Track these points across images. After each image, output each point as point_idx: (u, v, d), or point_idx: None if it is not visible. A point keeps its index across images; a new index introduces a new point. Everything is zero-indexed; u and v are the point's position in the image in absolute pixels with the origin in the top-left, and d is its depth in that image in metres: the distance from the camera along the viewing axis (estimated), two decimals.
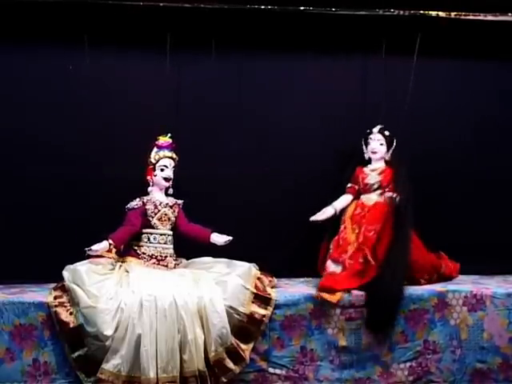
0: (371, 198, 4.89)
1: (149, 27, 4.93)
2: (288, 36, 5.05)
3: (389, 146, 4.95)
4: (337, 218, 4.88)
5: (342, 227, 4.83)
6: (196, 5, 4.83)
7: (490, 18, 5.03)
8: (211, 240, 4.69)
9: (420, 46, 5.07)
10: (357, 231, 4.77)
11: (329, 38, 5.07)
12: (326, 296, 4.51)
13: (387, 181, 4.87)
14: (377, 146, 4.94)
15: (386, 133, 4.94)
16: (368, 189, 4.91)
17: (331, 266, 4.71)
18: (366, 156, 4.99)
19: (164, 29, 4.92)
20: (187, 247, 4.79)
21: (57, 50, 4.92)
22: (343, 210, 4.91)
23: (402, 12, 4.97)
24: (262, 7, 4.89)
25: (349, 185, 4.98)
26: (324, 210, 4.84)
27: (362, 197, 4.93)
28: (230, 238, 4.65)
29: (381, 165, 4.96)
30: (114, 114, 4.96)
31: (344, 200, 4.93)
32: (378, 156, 4.95)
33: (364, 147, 5.00)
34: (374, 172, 4.94)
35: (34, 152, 4.91)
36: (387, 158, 4.97)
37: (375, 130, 4.95)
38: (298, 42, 5.06)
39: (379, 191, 4.90)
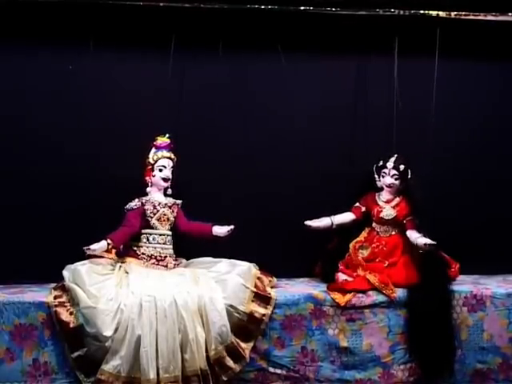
0: (387, 231, 4.88)
1: (149, 28, 4.92)
2: (288, 36, 5.04)
3: (403, 178, 4.84)
4: (343, 238, 4.90)
5: (352, 250, 4.83)
6: (196, 5, 4.83)
7: (490, 18, 5.03)
8: (213, 233, 4.69)
9: (420, 46, 5.07)
10: (371, 260, 4.80)
11: (329, 38, 5.07)
12: (334, 296, 4.53)
13: (402, 215, 4.83)
14: (391, 181, 4.83)
15: (401, 167, 4.80)
16: (383, 222, 4.87)
17: (342, 277, 4.72)
18: (379, 185, 4.92)
19: (164, 29, 4.92)
20: (187, 247, 4.80)
21: (57, 50, 4.91)
22: (348, 232, 4.90)
23: (402, 12, 4.97)
24: (262, 7, 4.89)
25: (356, 204, 4.95)
26: (321, 219, 4.83)
27: (375, 227, 4.89)
28: (232, 226, 4.65)
29: (395, 197, 4.90)
30: (115, 114, 4.96)
31: (344, 217, 4.90)
32: (393, 190, 4.88)
33: (376, 176, 4.92)
34: (388, 205, 4.88)
35: (34, 152, 4.90)
36: (401, 188, 4.89)
37: (389, 164, 4.82)
38: (298, 42, 5.05)
39: (394, 224, 4.86)
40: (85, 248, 4.39)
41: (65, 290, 4.37)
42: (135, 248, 4.67)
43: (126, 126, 4.97)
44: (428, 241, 4.61)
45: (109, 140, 4.95)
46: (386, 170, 4.86)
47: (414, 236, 4.73)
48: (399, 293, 4.59)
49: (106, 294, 4.27)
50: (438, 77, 5.14)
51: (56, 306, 4.31)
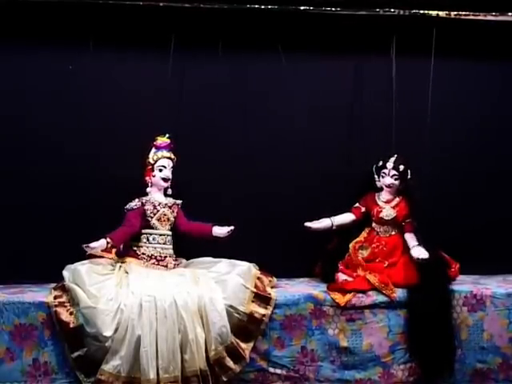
0: (387, 231, 4.88)
1: (149, 28, 4.92)
2: (288, 36, 5.04)
3: (403, 179, 4.83)
4: (343, 238, 4.90)
5: (352, 251, 4.82)
6: (196, 5, 4.83)
7: (489, 18, 5.03)
8: (213, 234, 4.69)
9: (420, 46, 5.07)
10: (371, 260, 4.80)
11: (329, 38, 5.07)
12: (334, 296, 4.53)
13: (402, 215, 4.84)
14: (391, 181, 4.83)
15: (401, 167, 4.79)
16: (383, 222, 4.87)
17: (342, 277, 4.72)
18: (379, 185, 4.91)
19: (164, 29, 4.92)
20: (187, 247, 4.80)
21: (57, 50, 4.91)
22: (348, 232, 4.89)
23: (402, 12, 4.97)
24: (262, 7, 4.89)
25: (356, 205, 4.94)
26: (321, 220, 4.83)
27: (375, 227, 4.89)
28: (232, 227, 4.65)
29: (395, 197, 4.89)
30: (115, 114, 4.96)
31: (344, 218, 4.90)
32: (393, 191, 4.88)
33: (376, 176, 4.91)
34: (388, 205, 4.87)
35: (34, 152, 4.90)
36: (401, 188, 4.89)
37: (389, 164, 4.81)
38: (298, 42, 5.05)
39: (394, 224, 4.86)
40: (84, 246, 4.40)
41: (65, 290, 4.36)
42: (135, 248, 4.67)
43: (126, 126, 4.97)
44: (422, 254, 4.62)
45: (109, 140, 4.95)
46: (385, 171, 4.85)
47: (411, 243, 4.75)
48: (399, 293, 4.59)
49: (106, 294, 4.27)
50: (438, 77, 5.14)
51: (56, 305, 4.31)
